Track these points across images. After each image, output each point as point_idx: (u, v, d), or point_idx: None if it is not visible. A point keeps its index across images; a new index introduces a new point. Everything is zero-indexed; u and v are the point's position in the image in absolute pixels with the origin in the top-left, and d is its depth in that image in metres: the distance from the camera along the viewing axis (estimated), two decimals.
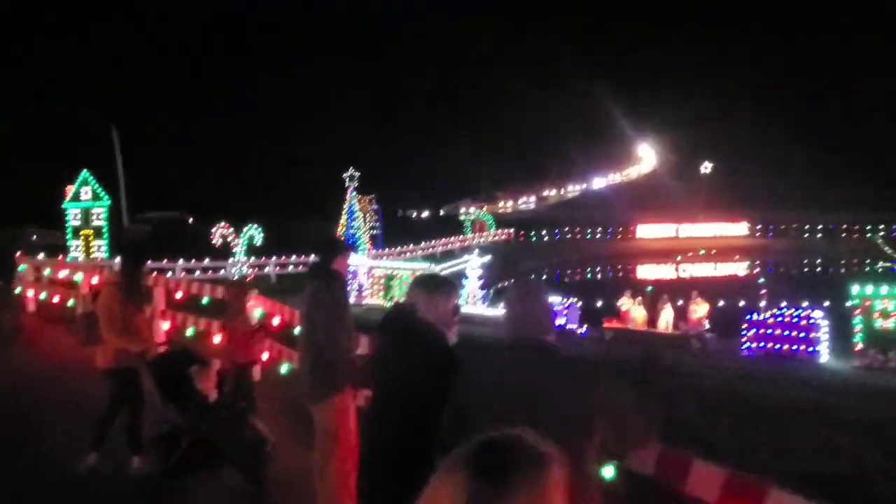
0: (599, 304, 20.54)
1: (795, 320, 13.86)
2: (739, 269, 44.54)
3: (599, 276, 42.94)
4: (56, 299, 12.07)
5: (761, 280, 18.75)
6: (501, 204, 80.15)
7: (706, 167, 60.54)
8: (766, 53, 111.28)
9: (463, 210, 70.14)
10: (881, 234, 48.08)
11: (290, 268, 27.81)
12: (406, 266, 21.85)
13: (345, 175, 33.79)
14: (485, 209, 54.25)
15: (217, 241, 25.92)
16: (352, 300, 21.52)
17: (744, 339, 14.48)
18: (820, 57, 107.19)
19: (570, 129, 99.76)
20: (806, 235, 50.52)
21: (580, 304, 17.73)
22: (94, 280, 10.36)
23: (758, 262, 44.73)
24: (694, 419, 7.34)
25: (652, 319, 16.03)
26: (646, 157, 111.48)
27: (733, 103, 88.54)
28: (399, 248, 35.05)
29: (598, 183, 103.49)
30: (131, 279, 5.08)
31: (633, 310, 16.25)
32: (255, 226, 26.85)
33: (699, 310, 15.54)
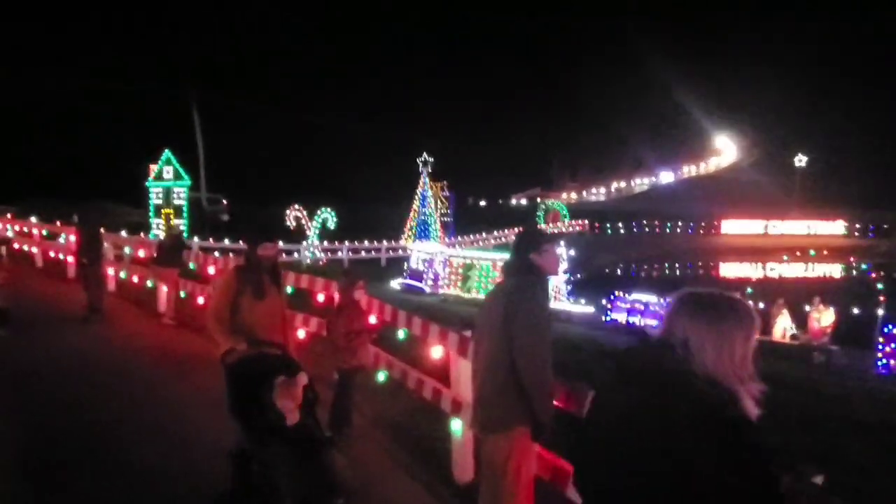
0: None
1: None
2: (835, 270, 41.22)
3: (678, 272, 40.67)
4: (136, 279, 11.64)
5: (880, 285, 16.51)
6: (568, 195, 77.77)
7: (800, 160, 56.44)
8: (866, 35, 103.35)
9: (538, 200, 68.41)
10: None
11: (363, 253, 27.24)
12: (486, 256, 20.73)
13: (419, 160, 33.15)
14: (559, 198, 52.51)
15: (290, 223, 25.66)
16: (427, 289, 20.78)
17: (880, 355, 12.63)
18: None
19: (645, 119, 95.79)
20: None
21: None
22: (211, 269, 9.78)
23: (854, 263, 41.29)
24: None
25: (766, 326, 14.31)
26: (726, 148, 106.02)
27: (830, 91, 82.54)
28: (471, 236, 34.03)
29: (676, 175, 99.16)
30: (254, 262, 4.21)
31: None
32: (329, 209, 26.46)
33: (823, 317, 13.74)
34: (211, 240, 23.07)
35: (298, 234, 25.33)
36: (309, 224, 25.75)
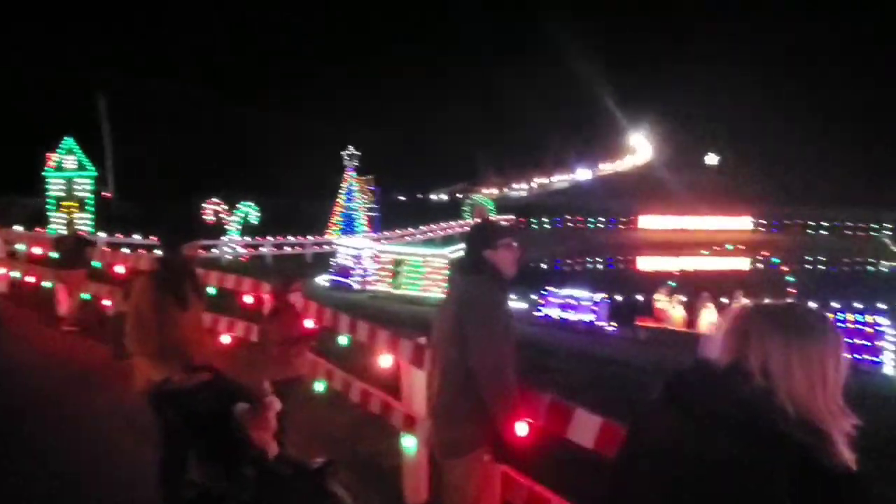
0: (619, 298, 19.25)
1: (859, 327, 12.56)
2: (743, 263, 43.49)
3: (600, 266, 41.74)
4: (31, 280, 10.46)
5: (790, 278, 17.38)
6: (491, 190, 78.57)
7: (711, 159, 59.36)
8: (773, 42, 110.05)
9: (459, 195, 68.56)
10: (888, 233, 47.25)
11: (287, 249, 26.20)
12: (415, 251, 20.33)
13: (344, 154, 32.38)
14: (484, 194, 52.85)
15: (210, 218, 24.32)
16: (355, 286, 20.17)
17: None
18: (829, 48, 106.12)
19: (565, 117, 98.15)
20: (811, 232, 49.61)
21: (610, 299, 16.36)
22: (120, 269, 8.64)
23: (767, 257, 43.73)
24: None
25: (691, 319, 14.69)
26: (641, 147, 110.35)
27: (738, 94, 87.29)
28: (399, 230, 33.53)
29: (594, 172, 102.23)
30: (174, 267, 3.58)
31: (671, 308, 14.89)
32: (250, 203, 25.27)
33: None
34: (119, 235, 21.52)
35: (218, 230, 24.01)
36: (229, 219, 24.49)
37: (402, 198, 66.54)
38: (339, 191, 32.03)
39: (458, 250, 28.98)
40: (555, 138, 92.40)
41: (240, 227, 24.74)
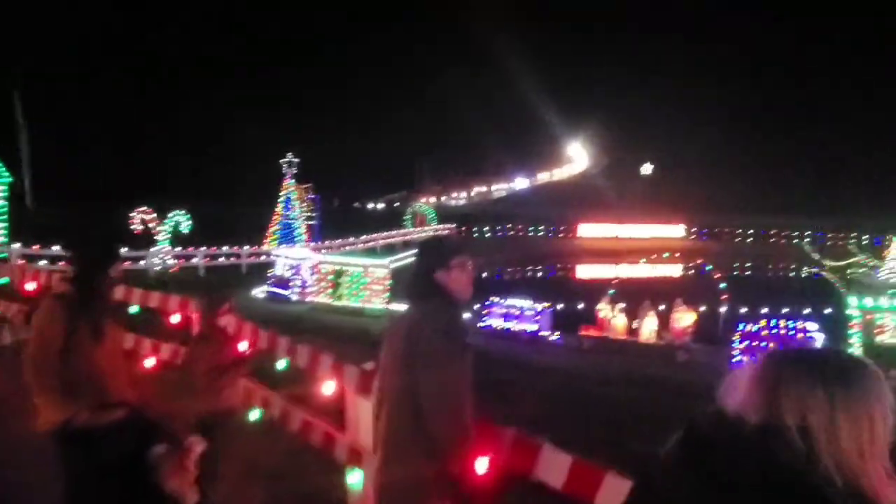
0: (560, 306, 19.32)
1: (791, 332, 12.93)
2: (675, 270, 44.89)
3: (540, 274, 42.21)
4: None
5: (723, 285, 17.89)
6: (431, 198, 78.69)
7: (646, 168, 61.32)
8: (705, 53, 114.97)
9: (396, 204, 68.20)
10: (808, 240, 49.75)
11: (222, 259, 25.15)
12: (357, 261, 19.83)
13: (282, 161, 31.59)
14: (425, 202, 52.72)
15: (137, 227, 23.05)
16: (294, 297, 19.50)
17: (735, 351, 13.46)
18: (756, 61, 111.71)
19: (504, 127, 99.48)
20: (738, 240, 51.73)
21: (553, 308, 16.34)
22: (31, 286, 7.53)
23: (692, 264, 45.29)
24: None
25: (633, 328, 14.84)
26: (578, 156, 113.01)
27: (672, 105, 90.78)
28: (339, 240, 32.87)
29: (533, 180, 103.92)
30: (93, 291, 3.11)
31: (613, 317, 15.00)
32: (182, 211, 24.16)
33: (684, 318, 14.46)
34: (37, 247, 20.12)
35: (145, 240, 22.78)
36: (158, 228, 23.29)
37: (338, 204, 65.65)
38: (277, 199, 31.20)
39: (398, 260, 28.64)
40: (493, 148, 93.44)
41: (170, 237, 23.57)
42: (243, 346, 4.74)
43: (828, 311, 23.70)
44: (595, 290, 22.29)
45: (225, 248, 25.58)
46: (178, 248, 24.06)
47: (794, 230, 50.93)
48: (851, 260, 42.12)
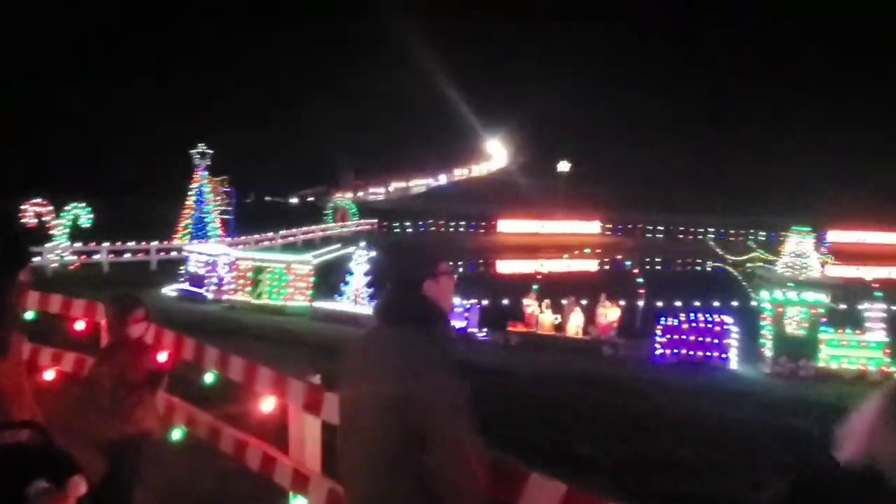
0: (485, 302, 19.30)
1: (709, 325, 13.43)
2: (591, 265, 46.29)
3: (462, 269, 42.36)
4: None
5: (640, 280, 18.45)
6: (351, 193, 77.50)
7: (563, 165, 62.83)
8: (618, 56, 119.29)
9: (311, 198, 66.57)
10: (711, 236, 52.60)
11: (128, 255, 23.48)
12: (278, 258, 18.98)
13: (194, 152, 30.04)
14: (346, 196, 51.76)
15: (30, 221, 21.10)
16: (210, 295, 18.43)
17: (657, 345, 13.84)
18: (670, 65, 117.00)
19: (424, 123, 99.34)
20: (648, 235, 53.99)
21: (480, 304, 16.23)
22: None
23: (607, 259, 46.86)
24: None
25: (560, 324, 14.96)
26: (497, 153, 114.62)
27: (587, 103, 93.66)
28: (256, 235, 31.57)
29: (451, 177, 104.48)
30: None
31: (541, 312, 15.07)
32: (82, 204, 22.37)
33: (609, 313, 14.72)
34: None
35: (41, 235, 20.89)
36: (55, 222, 21.43)
37: (253, 198, 63.29)
38: (189, 192, 29.60)
39: (321, 255, 27.83)
40: (412, 144, 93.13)
41: (68, 232, 21.77)
42: (162, 357, 4.20)
43: (734, 303, 25.01)
44: (518, 285, 22.42)
45: (131, 244, 23.89)
46: (79, 244, 22.27)
47: (699, 227, 53.70)
48: (750, 255, 44.98)
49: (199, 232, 29.49)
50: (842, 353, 12.83)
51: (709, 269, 46.71)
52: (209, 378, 3.87)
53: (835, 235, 48.69)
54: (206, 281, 18.58)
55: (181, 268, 19.75)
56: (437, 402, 1.90)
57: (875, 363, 12.68)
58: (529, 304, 15.30)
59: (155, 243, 24.74)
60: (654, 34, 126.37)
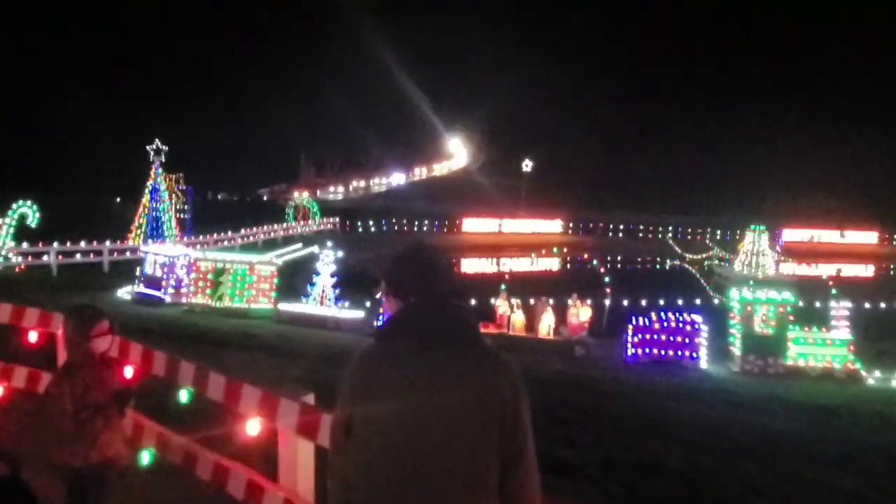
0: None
1: (680, 325, 13.45)
2: (555, 264, 46.54)
3: None
4: None
5: (607, 279, 18.49)
6: (312, 192, 76.31)
7: (527, 165, 63.08)
8: (580, 59, 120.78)
9: (267, 197, 65.18)
10: (670, 234, 53.54)
11: (79, 256, 22.42)
12: (242, 258, 18.33)
13: (149, 148, 28.98)
14: (298, 195, 50.87)
15: None
16: (168, 298, 17.67)
17: (629, 345, 13.80)
18: (634, 62, 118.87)
19: (386, 123, 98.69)
20: (610, 234, 54.65)
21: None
22: None
23: (569, 258, 47.19)
24: None
25: (531, 324, 14.80)
26: (458, 152, 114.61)
27: (551, 105, 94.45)
28: (215, 235, 30.64)
29: (411, 176, 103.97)
30: None
31: (512, 313, 14.87)
32: (28, 202, 21.27)
33: (581, 313, 14.62)
34: None
35: None
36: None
37: (211, 196, 61.53)
38: (144, 190, 28.56)
39: (283, 255, 27.13)
40: (374, 143, 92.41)
41: (13, 231, 20.67)
42: (128, 372, 3.78)
43: (698, 301, 25.32)
44: (484, 284, 22.18)
45: (83, 244, 22.81)
46: (25, 245, 21.16)
47: (658, 226, 54.62)
48: (709, 253, 45.92)
49: (155, 231, 28.46)
50: (808, 351, 13.01)
51: (668, 266, 47.55)
52: (183, 396, 3.47)
53: (789, 234, 50.18)
54: (163, 283, 17.83)
55: (137, 269, 18.93)
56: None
57: (840, 360, 12.90)
58: (500, 305, 15.10)
59: (108, 243, 23.69)
60: (615, 34, 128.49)
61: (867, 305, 19.24)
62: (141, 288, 18.14)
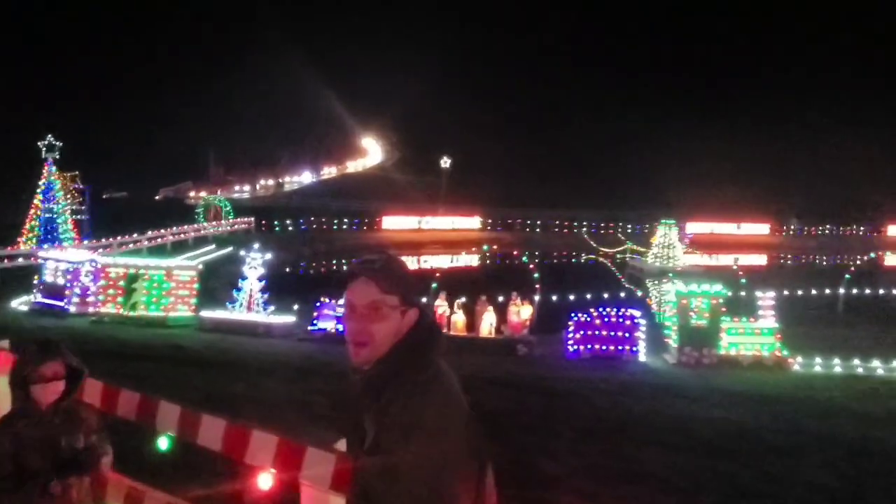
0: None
1: (620, 320, 13.62)
2: (473, 260, 46.79)
3: (346, 267, 41.03)
4: None
5: (536, 275, 18.59)
6: (203, 192, 72.99)
7: (445, 162, 63.03)
8: (496, 56, 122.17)
9: (169, 195, 61.60)
10: (585, 229, 55.19)
11: None
12: (158, 263, 16.95)
13: (41, 144, 26.64)
14: (218, 193, 48.50)
15: None
16: (72, 308, 16.02)
17: (570, 341, 13.84)
18: (541, 61, 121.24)
19: (298, 121, 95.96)
20: (527, 230, 55.58)
21: None
22: None
23: (488, 253, 47.63)
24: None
25: (472, 324, 14.56)
26: (371, 149, 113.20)
27: (466, 103, 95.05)
28: (118, 237, 28.46)
29: (324, 174, 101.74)
30: None
31: (453, 314, 14.57)
32: None
33: (522, 311, 14.52)
34: None
35: None
36: None
37: (109, 195, 57.25)
38: (36, 189, 26.14)
39: (199, 257, 25.54)
40: (285, 141, 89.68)
41: None
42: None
43: (622, 294, 26.02)
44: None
45: None
46: None
47: (572, 220, 56.13)
48: (623, 247, 47.67)
49: (49, 235, 26.12)
50: (739, 341, 13.52)
51: (583, 260, 48.92)
52: (163, 443, 2.80)
53: (692, 227, 52.91)
54: (66, 292, 16.22)
55: (34, 277, 17.13)
56: None
57: (768, 348, 13.49)
58: (440, 305, 14.75)
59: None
60: (529, 28, 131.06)
61: (786, 293, 20.20)
62: (40, 297, 16.43)
